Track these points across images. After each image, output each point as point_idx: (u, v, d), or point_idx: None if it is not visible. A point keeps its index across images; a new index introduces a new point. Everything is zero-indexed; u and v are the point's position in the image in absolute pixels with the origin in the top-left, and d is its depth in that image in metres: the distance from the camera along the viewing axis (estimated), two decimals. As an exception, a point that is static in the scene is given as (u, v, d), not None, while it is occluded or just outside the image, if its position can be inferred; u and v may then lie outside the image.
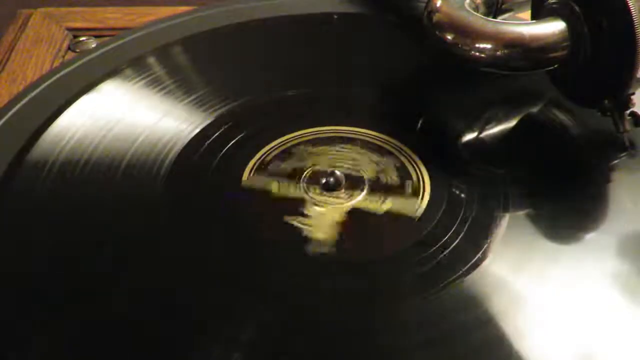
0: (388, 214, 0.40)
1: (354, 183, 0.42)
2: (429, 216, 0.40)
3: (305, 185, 0.42)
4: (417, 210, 0.40)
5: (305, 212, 0.40)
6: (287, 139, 0.45)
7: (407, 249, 0.38)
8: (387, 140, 0.45)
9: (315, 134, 0.45)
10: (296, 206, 0.40)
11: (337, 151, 0.44)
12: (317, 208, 0.40)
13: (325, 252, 0.38)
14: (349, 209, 0.40)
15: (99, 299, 0.36)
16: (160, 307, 0.35)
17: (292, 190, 0.41)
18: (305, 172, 0.42)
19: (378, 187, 0.41)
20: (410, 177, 0.42)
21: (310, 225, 0.39)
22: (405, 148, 0.44)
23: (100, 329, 0.34)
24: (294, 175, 0.42)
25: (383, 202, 0.40)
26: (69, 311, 0.35)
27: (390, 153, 0.44)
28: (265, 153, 0.44)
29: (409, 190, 0.41)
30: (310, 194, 0.41)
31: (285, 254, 0.38)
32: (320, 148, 0.44)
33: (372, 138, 0.45)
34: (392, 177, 0.42)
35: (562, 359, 0.33)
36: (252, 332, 0.34)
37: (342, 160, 0.43)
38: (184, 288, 0.36)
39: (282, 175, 0.42)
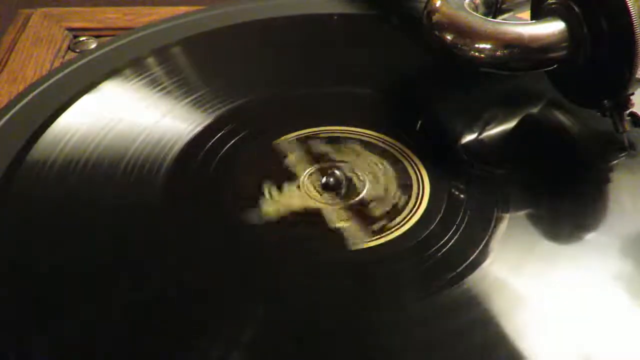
0: (335, 230, 0.39)
1: (349, 193, 0.42)
2: (424, 222, 0.40)
3: (313, 170, 0.43)
4: (355, 245, 0.39)
5: (284, 187, 0.41)
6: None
7: (407, 249, 0.38)
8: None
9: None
10: (285, 179, 0.42)
11: (372, 162, 0.44)
12: (295, 190, 0.41)
13: (253, 223, 0.39)
14: (313, 207, 0.41)
15: (99, 299, 0.36)
16: (160, 307, 0.35)
17: (300, 167, 0.42)
18: (328, 162, 0.43)
19: (358, 210, 0.41)
20: (392, 220, 0.40)
21: (272, 198, 0.41)
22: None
23: (100, 329, 0.34)
24: (318, 159, 0.43)
25: (345, 220, 0.40)
26: (69, 311, 0.35)
27: (407, 187, 0.42)
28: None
29: (374, 229, 0.40)
30: (306, 179, 0.42)
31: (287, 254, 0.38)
32: (364, 151, 0.44)
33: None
34: (380, 211, 0.41)
35: (562, 359, 0.33)
36: (252, 332, 0.34)
37: (366, 171, 0.43)
38: (184, 288, 0.36)
39: (312, 153, 0.43)
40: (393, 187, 0.42)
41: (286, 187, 0.41)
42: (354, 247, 0.38)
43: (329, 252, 0.38)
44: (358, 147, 0.44)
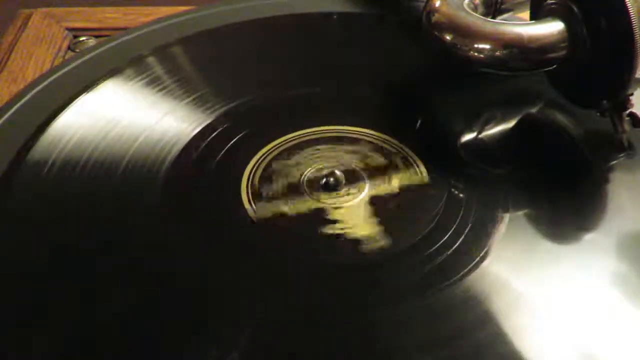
0: (403, 189, 0.41)
1: (350, 177, 0.42)
2: (429, 216, 0.40)
3: (313, 195, 0.42)
4: (422, 175, 0.41)
5: (332, 218, 0.40)
6: (286, 140, 0.45)
7: (407, 249, 0.38)
8: (388, 140, 0.45)
9: (315, 134, 0.45)
10: (319, 216, 0.40)
11: (310, 155, 0.44)
12: (338, 211, 0.40)
13: (382, 246, 0.38)
14: (368, 200, 0.41)
15: (99, 299, 0.36)
16: (160, 307, 0.35)
17: (305, 203, 0.41)
18: (301, 184, 0.42)
19: (375, 172, 0.42)
20: (392, 154, 0.42)
21: (348, 228, 0.39)
22: (405, 148, 0.44)
23: (100, 329, 0.34)
24: (294, 190, 0.42)
25: (389, 181, 0.41)
26: (69, 311, 0.35)
27: (357, 140, 0.44)
28: (249, 177, 0.43)
29: (400, 164, 0.42)
30: (322, 200, 0.41)
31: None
32: (295, 157, 0.44)
33: (372, 138, 0.45)
34: (379, 159, 0.43)
35: (562, 359, 0.33)
36: (252, 332, 0.34)
37: (323, 160, 0.43)
38: (184, 288, 0.36)
39: (283, 194, 0.42)
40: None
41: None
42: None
43: (328, 252, 0.38)
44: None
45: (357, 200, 0.41)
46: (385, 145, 0.44)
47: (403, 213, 0.40)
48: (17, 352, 0.33)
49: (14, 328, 0.34)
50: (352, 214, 0.40)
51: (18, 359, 0.33)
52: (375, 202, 0.41)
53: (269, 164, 0.43)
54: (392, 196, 0.41)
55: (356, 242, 0.38)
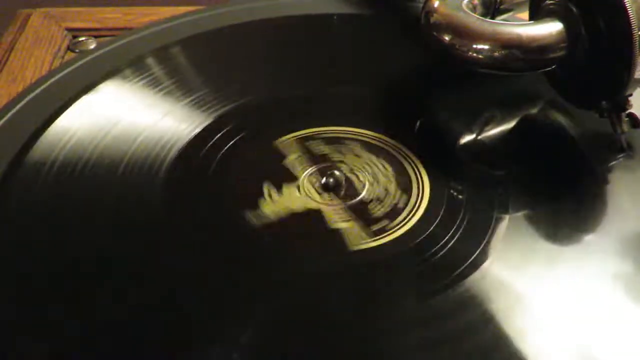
0: (335, 231, 0.40)
1: (348, 193, 0.42)
2: (424, 223, 0.40)
3: (312, 170, 0.43)
4: (355, 245, 0.39)
5: (283, 188, 0.41)
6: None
7: (407, 249, 0.38)
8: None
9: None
10: (285, 180, 0.42)
11: (372, 163, 0.44)
12: (294, 191, 0.41)
13: (253, 224, 0.39)
14: (313, 208, 0.41)
15: (98, 299, 0.36)
16: (160, 308, 0.36)
17: (299, 168, 0.42)
18: (326, 163, 0.43)
19: (358, 210, 0.41)
20: (393, 220, 0.40)
21: (271, 199, 0.41)
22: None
23: (100, 329, 0.34)
24: (317, 160, 0.43)
25: (345, 221, 0.40)
26: (69, 311, 0.35)
27: (407, 189, 0.42)
28: (316, 132, 0.44)
29: (375, 228, 0.40)
30: (305, 180, 0.42)
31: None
32: (365, 153, 0.44)
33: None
34: (380, 211, 0.41)
35: (562, 359, 0.33)
36: (252, 332, 0.34)
37: (366, 172, 0.43)
38: (184, 288, 0.37)
39: (312, 153, 0.43)
40: (393, 188, 0.42)
41: (286, 188, 0.42)
42: (353, 248, 0.38)
43: (329, 253, 0.38)
44: (357, 148, 0.44)
45: (311, 201, 0.41)
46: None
47: (301, 235, 0.40)
48: (17, 352, 0.33)
49: (14, 328, 0.34)
50: (291, 199, 0.41)
51: (18, 359, 0.33)
52: (309, 214, 0.40)
53: (346, 139, 0.44)
54: (322, 225, 0.40)
55: (254, 207, 0.40)
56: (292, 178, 0.42)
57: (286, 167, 0.43)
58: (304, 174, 0.42)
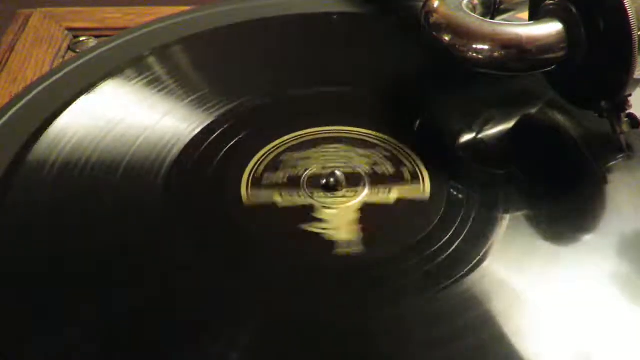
0: (399, 201, 0.41)
1: (353, 180, 0.42)
2: (429, 215, 0.40)
3: (308, 191, 0.42)
4: (423, 192, 0.40)
5: (318, 216, 0.40)
6: (284, 141, 0.45)
7: (407, 249, 0.38)
8: (387, 140, 0.45)
9: (315, 134, 0.45)
10: (306, 213, 0.40)
11: (325, 152, 0.44)
12: (328, 211, 0.40)
13: (356, 251, 0.38)
14: (360, 206, 0.41)
15: (98, 299, 0.36)
16: (160, 307, 0.36)
17: (297, 199, 0.41)
18: (303, 178, 0.42)
19: (377, 180, 0.42)
20: (404, 164, 0.42)
21: (330, 229, 0.39)
22: (405, 148, 0.44)
23: (99, 328, 0.34)
24: (292, 184, 0.42)
25: (389, 192, 0.41)
26: (69, 311, 0.35)
27: (375, 146, 0.44)
28: (255, 166, 0.43)
29: (407, 175, 0.41)
30: (316, 198, 0.41)
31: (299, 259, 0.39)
32: (308, 152, 0.44)
33: (372, 138, 0.45)
34: (387, 167, 0.42)
35: (561, 359, 0.33)
36: (252, 332, 0.35)
37: (334, 160, 0.43)
38: (184, 288, 0.37)
39: (280, 185, 0.42)
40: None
41: (321, 213, 0.41)
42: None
43: (329, 253, 0.38)
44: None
45: (349, 204, 0.41)
46: (398, 155, 0.44)
47: (389, 225, 0.40)
48: (17, 352, 0.33)
49: (14, 328, 0.34)
50: (339, 216, 0.40)
51: (18, 359, 0.33)
52: (366, 210, 0.41)
53: (280, 154, 0.44)
54: (385, 207, 0.41)
55: (331, 244, 0.38)
56: (292, 185, 0.42)
57: (280, 176, 0.43)
58: (303, 179, 0.42)
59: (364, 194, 0.41)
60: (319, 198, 0.41)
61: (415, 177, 0.42)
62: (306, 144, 0.45)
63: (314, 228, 0.39)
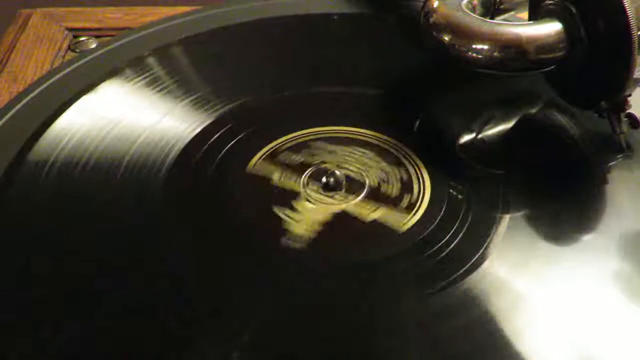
0: (374, 222, 0.40)
1: (354, 186, 0.42)
2: (424, 223, 0.40)
3: (305, 180, 0.42)
4: (403, 225, 0.39)
5: (295, 205, 0.40)
6: (289, 138, 0.45)
7: (407, 249, 0.38)
8: (386, 140, 0.45)
9: (315, 134, 0.45)
10: (289, 198, 0.41)
11: (350, 153, 0.44)
12: (307, 204, 0.41)
13: (297, 248, 0.38)
14: (337, 211, 0.41)
15: (98, 298, 0.36)
16: (160, 307, 0.36)
17: (292, 183, 0.42)
18: (311, 168, 0.43)
19: (375, 196, 0.41)
20: (411, 191, 0.42)
21: (294, 219, 0.40)
22: (404, 148, 0.44)
23: (99, 328, 0.34)
24: (299, 169, 0.43)
25: (374, 210, 0.40)
26: (69, 311, 0.35)
27: (400, 164, 0.43)
28: (279, 143, 0.44)
29: (405, 204, 0.41)
30: (308, 190, 0.41)
31: (269, 245, 0.39)
32: (336, 147, 0.44)
33: (371, 138, 0.45)
34: (393, 189, 0.42)
35: (561, 359, 0.33)
36: (252, 332, 0.35)
37: (352, 162, 0.43)
38: (184, 288, 0.37)
39: (289, 166, 0.43)
40: (385, 165, 0.42)
41: (297, 204, 0.41)
42: (401, 229, 0.39)
43: (329, 253, 0.39)
44: (326, 145, 0.44)
45: (330, 206, 0.41)
46: (413, 177, 0.43)
47: (346, 238, 0.40)
48: (17, 352, 0.33)
49: (15, 328, 0.34)
50: (312, 212, 0.40)
51: (18, 359, 0.33)
52: (340, 217, 0.40)
53: (311, 140, 0.44)
54: (358, 222, 0.40)
55: (284, 233, 0.39)
56: (297, 170, 0.42)
57: (296, 158, 0.43)
58: (302, 186, 0.42)
59: (351, 203, 0.41)
60: (310, 191, 0.41)
61: (410, 208, 0.41)
62: (302, 144, 0.45)
63: (281, 213, 0.40)
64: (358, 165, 0.43)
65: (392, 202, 0.41)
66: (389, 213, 0.40)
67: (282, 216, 0.40)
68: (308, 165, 0.43)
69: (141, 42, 0.54)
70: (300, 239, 0.39)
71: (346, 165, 0.43)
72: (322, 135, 0.45)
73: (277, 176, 0.42)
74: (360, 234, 0.39)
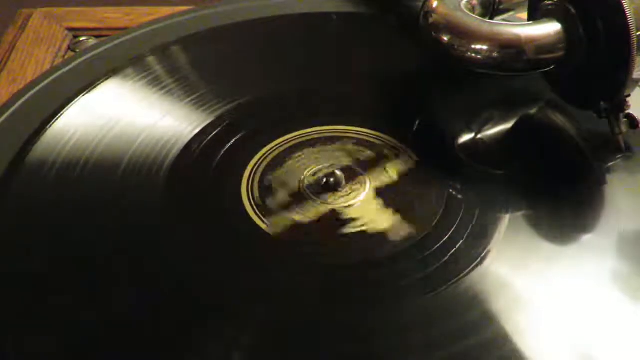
0: (401, 177, 0.42)
1: (349, 175, 0.42)
2: (429, 217, 0.40)
3: (307, 175, 0.42)
4: (413, 159, 0.41)
5: (347, 217, 0.40)
6: (290, 138, 0.45)
7: (407, 249, 0.38)
8: (386, 140, 0.45)
9: (315, 134, 0.45)
10: (335, 217, 0.40)
11: (350, 153, 0.44)
12: (351, 209, 0.41)
13: (412, 234, 0.39)
14: (374, 193, 0.41)
15: (98, 298, 0.36)
16: (160, 307, 0.36)
17: (316, 210, 0.41)
18: (303, 189, 0.42)
19: (369, 166, 0.42)
20: (411, 192, 0.42)
21: (366, 224, 0.40)
22: (404, 148, 0.44)
23: (100, 328, 0.34)
24: (298, 198, 0.42)
25: (386, 172, 0.41)
26: (69, 311, 0.35)
27: (399, 164, 0.44)
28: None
29: (387, 152, 0.42)
30: (332, 201, 0.41)
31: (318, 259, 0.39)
32: (286, 166, 0.44)
33: (371, 138, 0.45)
34: (366, 152, 0.43)
35: (562, 359, 0.33)
36: (252, 332, 0.35)
37: (353, 163, 0.44)
38: (184, 288, 0.37)
39: (288, 205, 0.42)
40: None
41: (347, 212, 0.41)
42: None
43: (329, 253, 0.39)
44: (308, 149, 0.45)
45: (363, 195, 0.41)
46: (369, 139, 0.45)
47: (411, 198, 0.41)
48: (17, 352, 0.33)
49: (14, 328, 0.34)
50: (365, 209, 0.40)
51: (18, 359, 0.33)
52: (382, 193, 0.41)
53: (263, 175, 0.43)
54: (394, 184, 0.42)
55: (382, 235, 0.39)
56: (291, 185, 0.42)
57: (282, 197, 0.42)
58: (302, 179, 0.42)
59: (345, 204, 0.41)
60: (335, 199, 0.41)
61: (395, 150, 0.43)
62: (300, 145, 0.45)
63: (353, 229, 0.40)
64: (324, 161, 0.43)
65: (381, 158, 0.42)
66: (394, 163, 0.41)
67: (358, 229, 0.40)
68: (297, 192, 0.42)
69: (141, 41, 0.54)
70: (397, 229, 0.39)
71: (315, 167, 0.43)
72: (322, 135, 0.45)
73: (298, 217, 0.41)
74: (410, 189, 0.41)
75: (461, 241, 0.38)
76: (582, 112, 0.46)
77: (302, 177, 0.42)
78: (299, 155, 0.44)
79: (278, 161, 0.44)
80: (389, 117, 0.48)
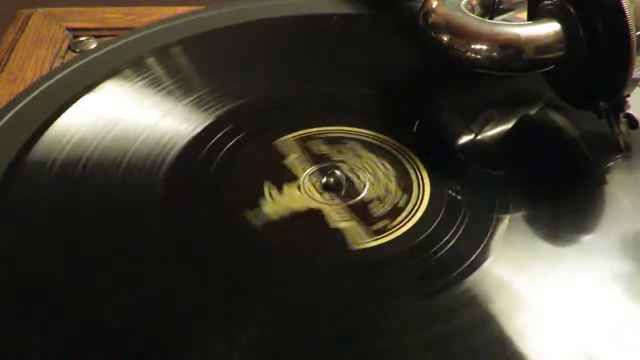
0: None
1: (349, 192, 0.42)
2: (424, 223, 0.40)
3: (312, 170, 0.43)
4: (357, 244, 0.39)
5: (284, 188, 0.41)
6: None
7: (407, 249, 0.38)
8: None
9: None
10: (284, 180, 0.42)
11: (370, 161, 0.44)
12: (295, 191, 0.42)
13: (251, 224, 0.39)
14: (313, 207, 0.41)
15: (98, 299, 0.36)
16: (160, 307, 0.36)
17: (299, 168, 0.42)
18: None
19: (357, 209, 0.41)
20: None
21: (272, 198, 0.41)
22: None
23: (100, 329, 0.34)
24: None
25: (345, 220, 0.40)
26: (69, 311, 0.35)
27: (410, 186, 0.43)
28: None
29: (377, 227, 0.40)
30: (306, 179, 0.42)
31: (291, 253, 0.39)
32: (363, 152, 0.44)
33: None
34: (381, 210, 0.41)
35: (562, 359, 0.33)
36: (252, 332, 0.35)
37: (366, 171, 0.43)
38: (184, 288, 0.37)
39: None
40: (393, 187, 0.42)
41: (286, 187, 0.42)
42: (354, 247, 0.38)
43: (329, 253, 0.39)
44: (358, 147, 0.44)
45: (311, 200, 0.41)
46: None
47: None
48: (17, 352, 0.33)
49: (14, 328, 0.34)
50: (292, 199, 0.41)
51: (18, 359, 0.33)
52: (310, 214, 0.41)
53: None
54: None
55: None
56: (292, 177, 0.42)
57: (286, 166, 0.43)
58: (305, 174, 0.42)
59: (331, 205, 0.41)
60: (307, 181, 0.42)
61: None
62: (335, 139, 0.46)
63: (267, 189, 0.41)
64: (369, 177, 0.43)
65: (368, 221, 0.40)
66: (357, 228, 0.40)
67: (265, 192, 0.41)
68: (326, 159, 0.44)
69: (141, 42, 0.54)
70: (261, 217, 0.39)
71: (358, 172, 0.43)
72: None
73: (292, 157, 0.42)
74: (316, 234, 0.40)
75: (461, 241, 0.38)
76: (582, 112, 0.46)
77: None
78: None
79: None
80: (390, 117, 0.48)
